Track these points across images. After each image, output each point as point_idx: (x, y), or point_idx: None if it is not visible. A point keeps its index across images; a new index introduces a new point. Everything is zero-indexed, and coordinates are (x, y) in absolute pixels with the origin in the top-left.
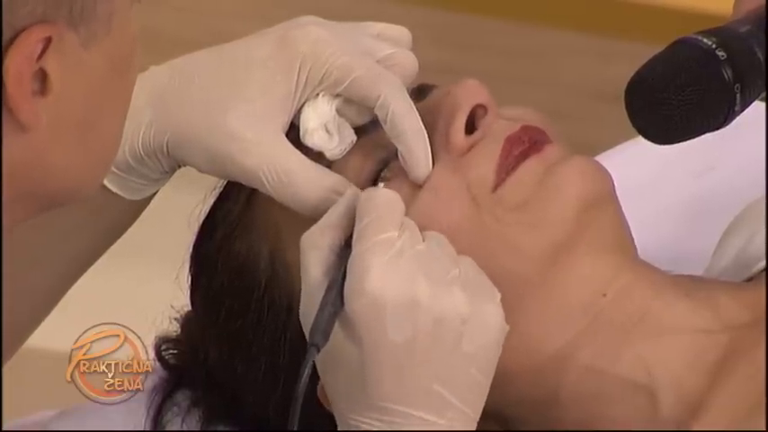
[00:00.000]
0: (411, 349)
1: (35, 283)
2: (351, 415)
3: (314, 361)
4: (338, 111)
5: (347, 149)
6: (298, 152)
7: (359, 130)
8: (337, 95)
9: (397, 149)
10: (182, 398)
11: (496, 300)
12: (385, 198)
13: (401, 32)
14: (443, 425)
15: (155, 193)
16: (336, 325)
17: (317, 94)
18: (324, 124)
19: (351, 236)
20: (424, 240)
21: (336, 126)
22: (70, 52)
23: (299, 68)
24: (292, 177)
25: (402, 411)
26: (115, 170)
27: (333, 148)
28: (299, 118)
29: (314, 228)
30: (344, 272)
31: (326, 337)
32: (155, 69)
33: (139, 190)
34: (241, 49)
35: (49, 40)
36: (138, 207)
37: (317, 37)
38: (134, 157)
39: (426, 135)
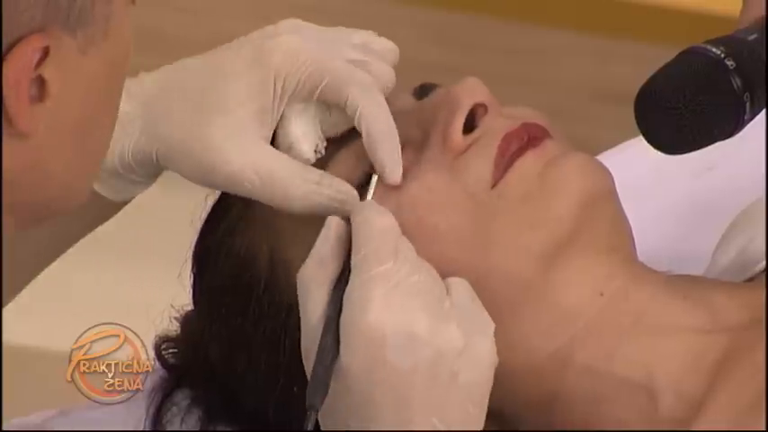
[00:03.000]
0: (411, 381)
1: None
2: None
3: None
4: (320, 119)
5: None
6: (277, 153)
7: (350, 135)
8: (318, 103)
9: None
10: (181, 397)
11: (490, 333)
12: (381, 227)
13: (386, 46)
14: None
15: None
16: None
17: (299, 105)
18: (305, 134)
19: (342, 269)
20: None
21: (318, 135)
22: (68, 58)
23: (274, 81)
24: (275, 176)
25: None
26: (102, 173)
27: (313, 158)
28: (282, 129)
29: (309, 262)
30: (340, 307)
31: (326, 391)
32: (144, 77)
33: (124, 192)
34: (223, 58)
35: (47, 50)
36: (118, 206)
37: (288, 47)
38: (123, 165)
39: (396, 135)
